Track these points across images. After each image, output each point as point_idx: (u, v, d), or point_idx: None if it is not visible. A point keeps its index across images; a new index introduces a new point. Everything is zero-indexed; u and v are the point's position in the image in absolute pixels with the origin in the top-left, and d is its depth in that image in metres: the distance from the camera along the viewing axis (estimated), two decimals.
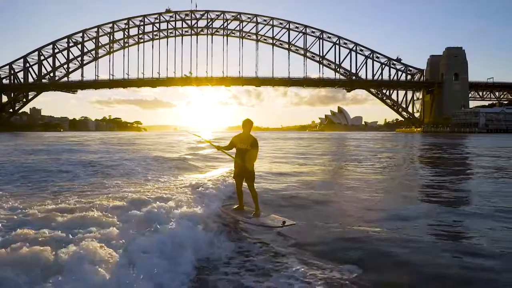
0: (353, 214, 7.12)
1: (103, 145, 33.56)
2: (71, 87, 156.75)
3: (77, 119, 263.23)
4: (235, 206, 6.97)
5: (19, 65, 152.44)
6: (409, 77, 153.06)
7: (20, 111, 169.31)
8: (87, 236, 4.37)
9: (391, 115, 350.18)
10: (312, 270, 4.20)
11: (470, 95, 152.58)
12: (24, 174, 11.66)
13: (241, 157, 6.51)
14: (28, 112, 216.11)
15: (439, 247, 5.12)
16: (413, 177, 13.14)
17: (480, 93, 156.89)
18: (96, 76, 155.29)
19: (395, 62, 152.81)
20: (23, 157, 18.31)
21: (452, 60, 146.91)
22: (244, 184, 6.70)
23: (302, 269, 4.20)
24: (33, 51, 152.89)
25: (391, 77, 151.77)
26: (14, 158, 17.61)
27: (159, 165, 15.01)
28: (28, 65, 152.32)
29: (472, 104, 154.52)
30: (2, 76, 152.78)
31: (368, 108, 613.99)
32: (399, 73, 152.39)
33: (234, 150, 6.72)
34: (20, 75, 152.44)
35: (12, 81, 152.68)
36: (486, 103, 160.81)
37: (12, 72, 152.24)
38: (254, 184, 6.61)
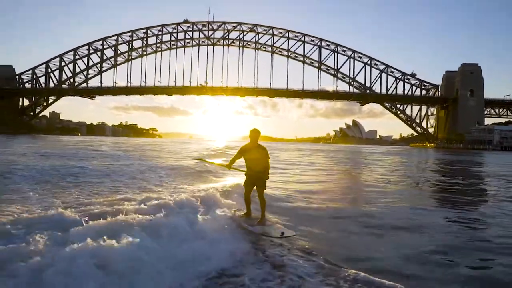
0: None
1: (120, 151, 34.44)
2: (90, 92, 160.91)
3: (95, 124, 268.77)
4: (242, 213, 6.96)
5: (41, 70, 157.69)
6: (423, 92, 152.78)
7: (40, 114, 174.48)
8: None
9: (407, 130, 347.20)
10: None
11: (486, 112, 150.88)
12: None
13: (256, 167, 6.51)
14: (48, 116, 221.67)
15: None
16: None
17: (496, 110, 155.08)
18: (114, 83, 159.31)
19: (409, 77, 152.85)
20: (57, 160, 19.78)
21: (467, 76, 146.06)
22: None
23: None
24: (55, 57, 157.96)
25: (406, 92, 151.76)
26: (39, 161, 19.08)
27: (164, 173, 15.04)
28: (49, 70, 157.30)
29: (488, 121, 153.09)
30: (24, 80, 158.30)
31: (384, 122, 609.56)
32: (414, 88, 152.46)
33: (238, 161, 6.78)
34: (42, 79, 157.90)
35: (34, 85, 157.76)
36: (503, 120, 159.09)
37: (34, 76, 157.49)
38: (264, 192, 6.66)
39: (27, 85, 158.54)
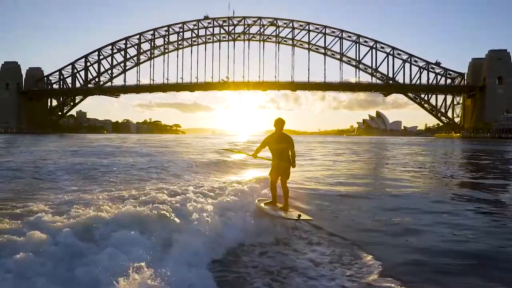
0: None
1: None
2: (115, 91, 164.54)
3: (120, 122, 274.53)
4: (268, 201, 7.08)
5: (67, 71, 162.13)
6: (448, 81, 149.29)
7: (68, 114, 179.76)
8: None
9: (432, 120, 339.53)
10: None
11: None
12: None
13: (282, 157, 6.58)
14: (75, 115, 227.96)
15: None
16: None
17: None
18: (138, 81, 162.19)
19: (434, 66, 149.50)
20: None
21: (495, 63, 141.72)
22: None
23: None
24: (80, 58, 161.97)
25: (430, 81, 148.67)
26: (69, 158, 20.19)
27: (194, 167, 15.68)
28: (75, 71, 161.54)
29: None
30: (52, 81, 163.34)
31: (409, 112, 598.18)
32: (438, 77, 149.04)
33: (263, 151, 6.95)
34: (68, 80, 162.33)
35: (61, 86, 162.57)
36: None
37: (61, 77, 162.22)
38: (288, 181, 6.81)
39: (55, 86, 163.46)
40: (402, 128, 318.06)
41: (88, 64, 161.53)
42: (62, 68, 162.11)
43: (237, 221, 5.91)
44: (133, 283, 3.43)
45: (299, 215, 6.00)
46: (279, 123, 6.58)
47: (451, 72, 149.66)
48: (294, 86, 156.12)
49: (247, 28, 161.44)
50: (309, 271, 4.37)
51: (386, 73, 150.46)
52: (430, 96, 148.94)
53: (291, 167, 6.65)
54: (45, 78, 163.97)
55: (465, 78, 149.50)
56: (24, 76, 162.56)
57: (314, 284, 4.07)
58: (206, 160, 18.20)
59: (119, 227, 4.62)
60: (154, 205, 5.69)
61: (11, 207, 6.15)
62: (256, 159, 7.33)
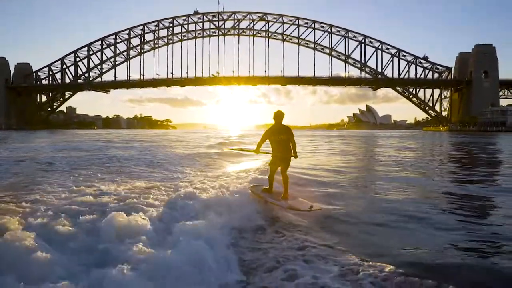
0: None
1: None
2: (105, 86, 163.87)
3: (110, 117, 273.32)
4: (265, 187, 7.16)
5: (56, 67, 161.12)
6: (436, 75, 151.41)
7: (58, 110, 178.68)
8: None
9: (421, 114, 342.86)
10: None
11: (501, 93, 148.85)
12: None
13: (282, 148, 6.68)
14: (65, 111, 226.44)
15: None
16: None
17: None
18: (128, 76, 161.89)
19: (421, 61, 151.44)
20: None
21: (481, 57, 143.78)
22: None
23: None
24: (70, 53, 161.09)
25: (418, 76, 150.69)
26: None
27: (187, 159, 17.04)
28: (65, 66, 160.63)
29: (504, 102, 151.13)
30: (41, 77, 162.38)
31: (399, 106, 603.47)
32: (426, 71, 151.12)
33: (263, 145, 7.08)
34: (58, 76, 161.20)
35: (50, 81, 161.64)
36: None
37: (50, 73, 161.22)
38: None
39: (44, 82, 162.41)
40: (392, 122, 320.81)
41: (78, 59, 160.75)
42: (51, 64, 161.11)
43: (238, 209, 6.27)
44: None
45: (311, 206, 6.03)
46: (279, 115, 6.74)
47: (438, 67, 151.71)
48: (284, 80, 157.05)
49: (237, 23, 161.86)
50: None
51: (375, 68, 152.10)
52: (418, 90, 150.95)
53: (291, 157, 6.76)
54: (34, 74, 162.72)
55: (453, 72, 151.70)
56: (12, 72, 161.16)
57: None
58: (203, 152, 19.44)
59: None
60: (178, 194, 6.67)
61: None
62: (259, 154, 7.38)
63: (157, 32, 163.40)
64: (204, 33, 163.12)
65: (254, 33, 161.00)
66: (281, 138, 6.64)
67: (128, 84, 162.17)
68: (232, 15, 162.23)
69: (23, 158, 16.36)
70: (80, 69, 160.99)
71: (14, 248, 3.79)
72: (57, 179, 9.92)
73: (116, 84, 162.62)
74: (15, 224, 4.91)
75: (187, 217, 5.49)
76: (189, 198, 6.48)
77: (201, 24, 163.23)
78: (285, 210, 6.28)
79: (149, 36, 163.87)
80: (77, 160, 15.41)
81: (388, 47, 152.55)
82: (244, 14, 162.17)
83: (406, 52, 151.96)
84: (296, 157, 6.79)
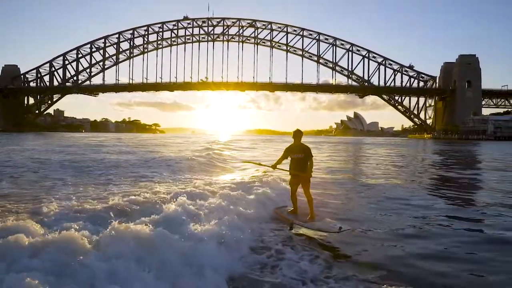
0: None
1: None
2: (93, 90, 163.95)
3: (98, 120, 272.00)
4: (290, 209, 7.09)
5: (45, 69, 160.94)
6: (421, 84, 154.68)
7: (45, 112, 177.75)
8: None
9: (408, 122, 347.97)
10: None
11: (483, 102, 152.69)
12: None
13: (300, 166, 6.68)
14: (52, 113, 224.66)
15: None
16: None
17: (494, 101, 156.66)
18: (117, 80, 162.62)
19: (407, 69, 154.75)
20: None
21: (465, 67, 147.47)
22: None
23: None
24: (58, 56, 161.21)
25: (404, 84, 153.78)
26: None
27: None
28: (53, 69, 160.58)
29: (486, 111, 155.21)
30: (29, 79, 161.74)
31: (387, 114, 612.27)
32: (412, 79, 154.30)
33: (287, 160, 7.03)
34: (46, 78, 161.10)
35: (38, 84, 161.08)
36: (501, 110, 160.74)
37: (38, 75, 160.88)
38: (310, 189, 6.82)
39: (32, 84, 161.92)
40: (379, 129, 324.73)
41: (66, 62, 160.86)
42: (40, 66, 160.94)
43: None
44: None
45: (340, 227, 5.82)
46: (298, 134, 6.76)
47: (423, 76, 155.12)
48: (273, 87, 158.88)
49: (226, 29, 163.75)
50: None
51: (361, 75, 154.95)
52: (403, 98, 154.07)
53: (309, 176, 6.73)
54: (22, 76, 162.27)
55: (437, 81, 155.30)
56: None
57: None
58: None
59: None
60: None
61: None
62: (275, 170, 7.43)
63: (146, 36, 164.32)
64: (194, 38, 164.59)
65: (243, 40, 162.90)
66: (298, 156, 6.69)
67: (117, 88, 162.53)
68: (222, 21, 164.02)
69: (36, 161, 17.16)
70: (69, 72, 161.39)
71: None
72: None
73: (105, 88, 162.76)
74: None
75: None
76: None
77: (190, 30, 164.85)
78: (313, 231, 6.12)
79: (138, 41, 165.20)
80: None
81: (375, 55, 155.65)
82: (234, 20, 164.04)
83: (392, 61, 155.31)
84: (310, 176, 6.74)
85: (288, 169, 6.88)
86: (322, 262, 4.84)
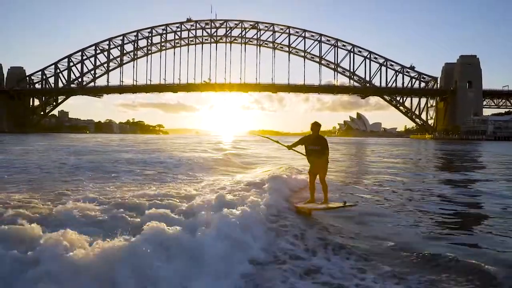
0: None
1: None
2: (98, 91, 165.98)
3: (102, 121, 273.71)
4: (307, 201, 7.27)
5: (50, 71, 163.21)
6: (422, 84, 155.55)
7: (50, 113, 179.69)
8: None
9: (411, 122, 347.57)
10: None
11: (484, 103, 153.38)
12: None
13: (316, 158, 6.96)
14: (57, 115, 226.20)
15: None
16: None
17: (495, 101, 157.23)
18: (121, 81, 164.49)
19: (409, 70, 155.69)
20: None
21: (466, 68, 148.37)
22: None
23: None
24: (64, 58, 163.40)
25: (405, 85, 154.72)
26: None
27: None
28: (58, 70, 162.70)
29: (487, 112, 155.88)
30: (35, 81, 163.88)
31: (390, 114, 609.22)
32: (413, 80, 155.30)
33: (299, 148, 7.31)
34: (51, 80, 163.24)
35: (43, 85, 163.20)
36: (502, 110, 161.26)
37: (44, 77, 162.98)
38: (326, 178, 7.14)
39: (37, 86, 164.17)
40: (382, 129, 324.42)
41: (71, 64, 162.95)
42: (45, 68, 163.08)
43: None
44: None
45: (345, 202, 6.57)
46: (315, 127, 6.96)
47: (425, 76, 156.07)
48: (275, 88, 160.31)
49: (229, 31, 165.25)
50: None
51: (363, 76, 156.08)
52: (405, 98, 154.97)
53: (327, 161, 7.04)
54: (27, 78, 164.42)
55: (438, 82, 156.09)
56: (5, 75, 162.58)
57: None
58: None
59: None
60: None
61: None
62: (290, 151, 7.75)
63: (150, 38, 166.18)
64: (197, 40, 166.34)
65: (246, 41, 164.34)
66: (314, 148, 6.92)
67: (120, 89, 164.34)
68: (225, 23, 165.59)
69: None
70: (74, 73, 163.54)
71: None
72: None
73: (109, 89, 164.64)
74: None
75: None
76: None
77: (193, 32, 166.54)
78: (323, 212, 6.61)
79: (142, 42, 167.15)
80: None
81: (376, 56, 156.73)
82: (236, 22, 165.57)
83: (394, 62, 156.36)
84: (326, 161, 7.06)
85: (303, 153, 7.24)
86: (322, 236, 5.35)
